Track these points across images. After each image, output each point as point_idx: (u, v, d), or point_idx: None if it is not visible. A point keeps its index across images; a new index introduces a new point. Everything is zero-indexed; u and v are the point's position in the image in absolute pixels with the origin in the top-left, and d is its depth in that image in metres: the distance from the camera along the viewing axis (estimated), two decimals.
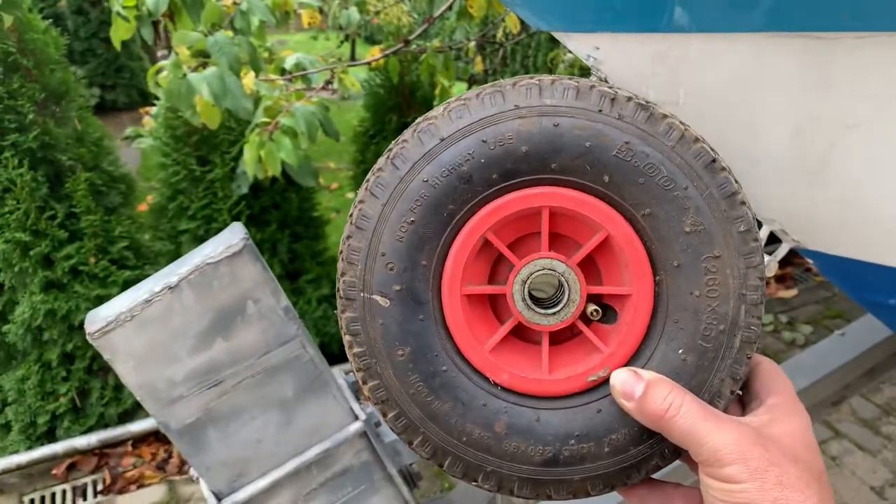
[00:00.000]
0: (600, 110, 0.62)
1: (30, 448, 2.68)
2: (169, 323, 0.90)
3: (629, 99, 0.64)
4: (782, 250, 1.28)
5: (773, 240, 1.14)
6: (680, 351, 0.62)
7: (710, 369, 0.62)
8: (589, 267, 0.67)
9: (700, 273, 0.62)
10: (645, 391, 0.57)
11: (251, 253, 0.92)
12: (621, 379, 0.59)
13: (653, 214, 0.62)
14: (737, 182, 0.66)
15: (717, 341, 0.62)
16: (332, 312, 3.17)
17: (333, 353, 3.21)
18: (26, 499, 2.61)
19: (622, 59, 1.03)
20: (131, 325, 0.88)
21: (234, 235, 0.92)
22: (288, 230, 3.04)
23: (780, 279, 4.14)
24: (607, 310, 0.67)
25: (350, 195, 4.50)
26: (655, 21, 0.93)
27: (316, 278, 3.13)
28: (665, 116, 0.65)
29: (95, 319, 0.88)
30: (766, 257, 1.00)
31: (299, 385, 1.02)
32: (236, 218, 2.89)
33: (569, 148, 0.61)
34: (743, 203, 0.63)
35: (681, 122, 0.66)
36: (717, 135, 1.11)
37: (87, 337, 0.88)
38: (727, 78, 0.99)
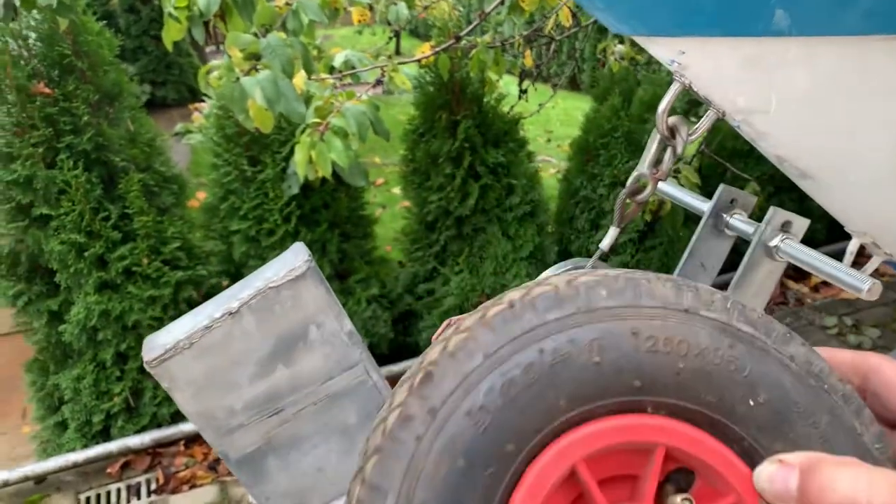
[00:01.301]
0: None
1: (85, 446, 2.71)
2: (229, 350, 0.86)
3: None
4: (872, 265, 1.19)
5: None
6: None
7: None
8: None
9: None
10: (803, 480, 0.43)
11: (315, 276, 0.87)
12: (767, 475, 0.45)
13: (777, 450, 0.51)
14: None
15: None
16: (380, 313, 3.14)
17: (382, 354, 3.17)
18: (82, 497, 2.64)
19: (709, 64, 0.96)
20: (190, 352, 0.84)
21: (296, 258, 0.87)
22: (338, 230, 3.01)
23: None
24: None
25: (396, 191, 4.46)
26: (751, 25, 0.85)
27: (365, 278, 3.10)
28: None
29: (154, 347, 0.84)
30: (869, 280, 0.92)
31: (362, 411, 0.98)
32: (287, 219, 2.87)
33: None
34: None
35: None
36: (811, 143, 1.03)
37: (146, 365, 0.84)
38: (827, 83, 0.91)
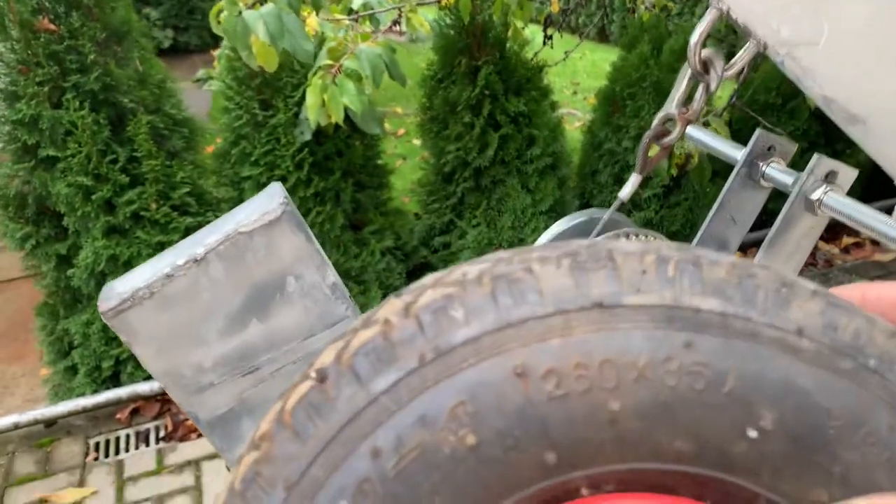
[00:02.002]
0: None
1: (95, 392, 2.70)
2: (195, 301, 0.77)
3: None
4: None
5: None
6: None
7: None
8: None
9: None
10: None
11: (292, 221, 0.78)
12: None
13: None
14: None
15: None
16: (395, 265, 3.06)
17: None
18: (91, 441, 2.64)
19: None
20: (151, 303, 0.76)
21: (271, 200, 0.78)
22: (352, 179, 2.91)
23: (875, 241, 3.79)
24: None
25: (417, 142, 4.34)
26: None
27: (380, 229, 3.01)
28: None
29: (110, 296, 0.76)
30: None
31: None
32: (299, 166, 2.77)
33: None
34: None
35: None
36: (865, 82, 0.90)
37: (102, 316, 0.76)
38: (890, 10, 0.78)
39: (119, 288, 0.76)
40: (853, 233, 3.89)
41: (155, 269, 0.78)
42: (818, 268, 3.70)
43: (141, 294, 0.76)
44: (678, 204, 3.22)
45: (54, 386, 2.81)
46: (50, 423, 2.69)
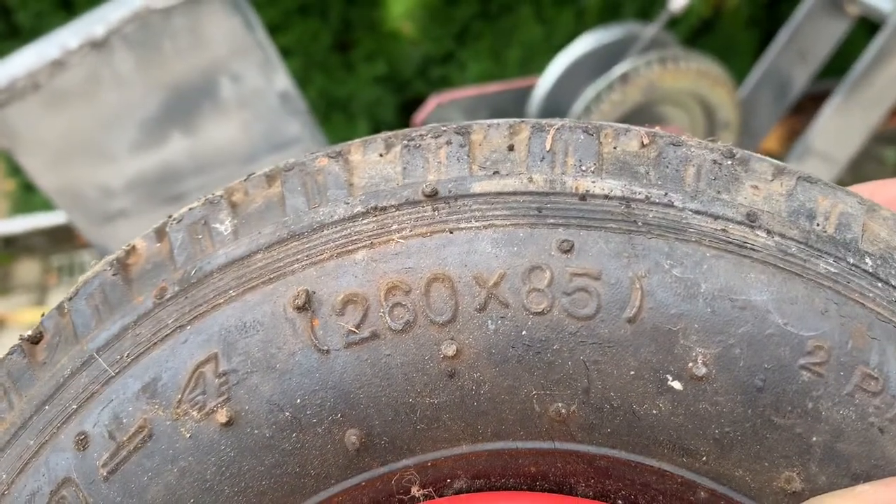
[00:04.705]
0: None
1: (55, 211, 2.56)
2: (96, 101, 0.58)
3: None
4: None
5: None
6: None
7: None
8: None
9: None
10: None
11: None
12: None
13: None
14: None
15: None
16: (386, 97, 2.82)
17: None
18: (55, 262, 2.53)
19: None
20: (38, 98, 0.57)
21: None
22: None
23: None
24: None
25: None
26: None
27: (371, 54, 2.74)
28: None
29: None
30: None
31: None
32: None
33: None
34: None
35: None
36: None
37: None
38: None
39: None
40: None
41: (41, 53, 0.58)
42: None
43: (22, 85, 0.56)
44: (706, 52, 2.94)
45: (14, 201, 2.67)
46: (8, 240, 2.57)
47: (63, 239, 2.54)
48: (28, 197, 2.54)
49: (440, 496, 0.23)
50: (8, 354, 0.26)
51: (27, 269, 2.43)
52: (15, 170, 2.55)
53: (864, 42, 0.77)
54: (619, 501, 0.23)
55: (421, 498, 0.23)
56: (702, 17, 2.75)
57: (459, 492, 0.24)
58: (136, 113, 0.61)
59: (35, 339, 0.25)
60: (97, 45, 0.56)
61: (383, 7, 2.78)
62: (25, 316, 2.20)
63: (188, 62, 0.59)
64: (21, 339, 0.26)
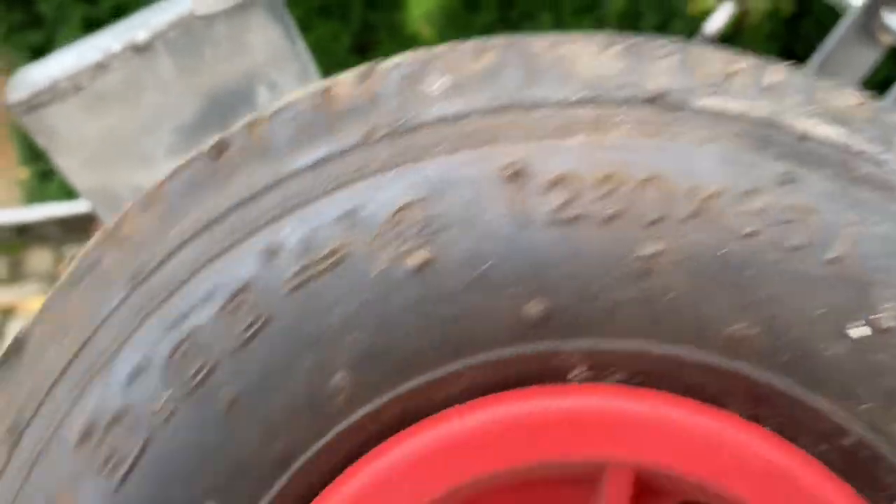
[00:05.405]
0: None
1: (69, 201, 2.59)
2: (136, 104, 0.59)
3: None
4: None
5: None
6: None
7: None
8: None
9: None
10: None
11: (269, 9, 0.58)
12: None
13: None
14: None
15: None
16: None
17: None
18: (66, 252, 2.56)
19: None
20: (77, 100, 0.57)
21: None
22: None
23: None
24: None
25: None
26: None
27: (390, 56, 2.77)
28: None
29: (21, 85, 0.57)
30: None
31: None
32: None
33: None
34: None
35: None
36: None
37: (10, 111, 0.58)
38: None
39: (34, 76, 0.58)
40: None
41: (82, 55, 0.58)
42: None
43: (63, 88, 0.57)
44: None
45: (29, 190, 2.69)
46: (22, 229, 2.59)
47: (76, 229, 2.57)
48: (43, 186, 2.57)
49: (593, 384, 0.24)
50: (190, 162, 0.27)
51: (39, 258, 2.46)
52: (29, 158, 2.57)
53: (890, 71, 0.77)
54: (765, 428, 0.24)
55: (576, 381, 0.24)
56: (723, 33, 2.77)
57: (616, 382, 0.24)
58: (174, 117, 0.62)
59: (218, 152, 0.26)
60: (140, 50, 0.57)
61: (404, 9, 2.83)
62: (36, 304, 2.23)
63: (227, 69, 0.60)
64: (204, 151, 0.27)
